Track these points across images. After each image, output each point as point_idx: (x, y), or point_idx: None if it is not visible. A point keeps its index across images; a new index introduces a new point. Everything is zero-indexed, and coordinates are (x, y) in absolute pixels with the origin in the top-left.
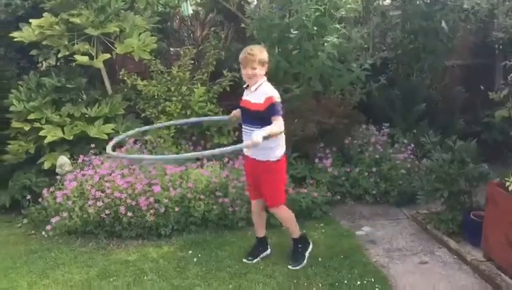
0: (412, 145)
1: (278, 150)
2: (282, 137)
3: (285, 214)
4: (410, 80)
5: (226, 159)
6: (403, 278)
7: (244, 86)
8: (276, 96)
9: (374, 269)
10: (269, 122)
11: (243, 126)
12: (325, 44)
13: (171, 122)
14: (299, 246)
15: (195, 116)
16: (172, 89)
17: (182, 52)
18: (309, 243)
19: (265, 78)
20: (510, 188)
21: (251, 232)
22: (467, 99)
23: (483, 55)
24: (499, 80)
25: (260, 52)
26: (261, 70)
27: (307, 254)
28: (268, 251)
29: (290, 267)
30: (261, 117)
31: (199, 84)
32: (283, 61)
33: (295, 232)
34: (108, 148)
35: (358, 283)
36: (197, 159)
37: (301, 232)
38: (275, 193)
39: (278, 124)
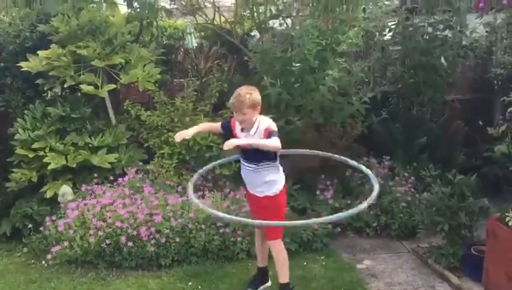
0: (413, 178)
1: (277, 185)
2: (280, 171)
3: (280, 251)
4: (411, 113)
5: (227, 190)
6: None
7: (239, 127)
8: (273, 125)
9: None
10: (269, 158)
11: (243, 163)
12: (326, 78)
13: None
14: None
15: (197, 146)
16: (176, 119)
17: (185, 84)
18: None
19: (258, 116)
20: (510, 223)
21: (252, 264)
22: (467, 133)
23: (482, 91)
24: (498, 115)
25: (250, 96)
26: (252, 114)
27: None
28: (269, 283)
29: None
30: (260, 153)
31: (202, 115)
32: (285, 94)
33: (284, 276)
34: (191, 191)
35: None
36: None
37: (290, 283)
38: (271, 227)
39: (273, 140)
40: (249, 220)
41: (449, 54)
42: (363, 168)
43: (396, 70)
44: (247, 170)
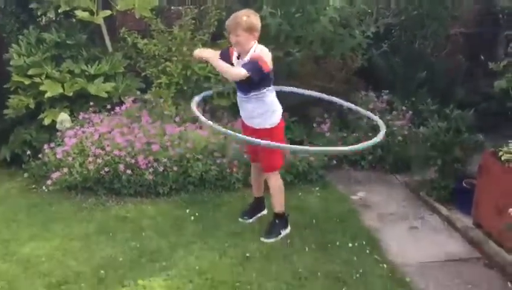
0: (410, 112)
1: (273, 117)
2: (276, 102)
3: (277, 182)
4: (413, 47)
5: (225, 120)
6: (394, 242)
7: (236, 55)
8: (262, 57)
9: (366, 233)
10: (258, 87)
11: (239, 94)
12: (328, 7)
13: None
14: (277, 221)
15: (195, 76)
16: (173, 49)
17: (183, 12)
18: (287, 225)
19: (257, 44)
20: (503, 158)
21: (248, 193)
22: (468, 68)
23: (487, 24)
24: (501, 50)
25: (247, 18)
26: (247, 38)
27: (282, 232)
28: (265, 211)
29: (262, 239)
30: (250, 81)
31: (200, 45)
32: (285, 24)
33: (280, 205)
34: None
35: (350, 245)
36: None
37: (285, 212)
38: (270, 159)
39: (235, 69)
40: (255, 140)
41: None
42: (364, 112)
43: (400, 2)
44: (239, 99)
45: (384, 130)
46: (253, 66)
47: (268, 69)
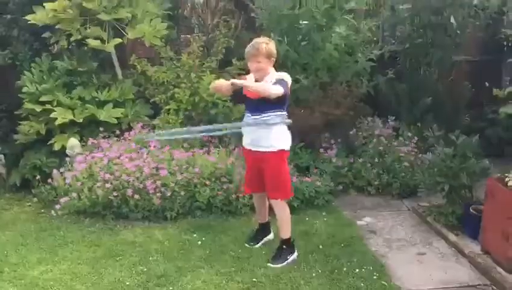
0: (416, 138)
1: (281, 140)
2: (285, 128)
3: (284, 210)
4: (418, 74)
5: (232, 147)
6: (401, 268)
7: (253, 80)
8: (286, 78)
9: (373, 258)
10: (280, 106)
11: (246, 115)
12: (333, 35)
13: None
14: (284, 247)
15: (203, 103)
16: (182, 75)
17: (192, 40)
18: (294, 251)
19: (273, 69)
20: (509, 184)
21: (255, 218)
22: (473, 95)
23: (491, 52)
24: (505, 77)
25: (266, 45)
26: (267, 64)
27: (289, 258)
28: (271, 236)
29: (269, 264)
30: (266, 103)
31: (208, 72)
32: (292, 52)
33: (287, 232)
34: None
35: (357, 270)
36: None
37: (291, 237)
38: (281, 185)
39: (274, 87)
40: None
41: (459, 14)
42: None
43: (405, 30)
44: (249, 122)
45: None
46: (285, 84)
47: (289, 90)
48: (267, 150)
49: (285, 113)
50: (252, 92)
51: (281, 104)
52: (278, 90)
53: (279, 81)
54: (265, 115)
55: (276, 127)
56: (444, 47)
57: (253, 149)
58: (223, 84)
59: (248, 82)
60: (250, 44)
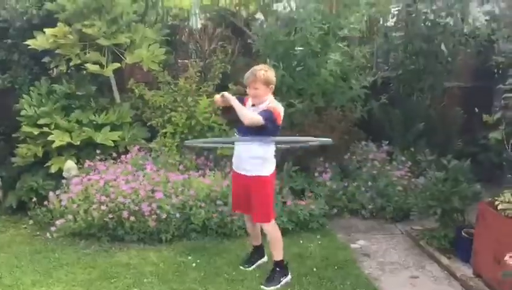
0: (409, 163)
1: (267, 165)
2: (272, 153)
3: (274, 232)
4: (411, 99)
5: (227, 170)
6: None
7: (251, 104)
8: (277, 110)
9: (366, 281)
10: (268, 133)
11: (237, 136)
12: (328, 62)
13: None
14: (277, 269)
15: (199, 126)
16: (179, 99)
17: (189, 65)
18: (288, 273)
19: (272, 97)
20: (499, 207)
21: (249, 241)
22: (465, 120)
23: (482, 78)
24: (496, 102)
25: (265, 72)
26: (265, 91)
27: (282, 280)
28: (265, 259)
29: (262, 286)
30: (256, 129)
31: (205, 96)
32: (287, 77)
33: (278, 254)
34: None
35: None
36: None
37: (284, 259)
38: (261, 210)
39: (254, 116)
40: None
41: (450, 41)
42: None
43: (397, 56)
44: (238, 143)
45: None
46: (269, 115)
47: (280, 122)
48: (250, 174)
49: (268, 141)
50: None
51: (270, 132)
52: (255, 120)
53: (265, 112)
54: (255, 138)
55: (258, 150)
56: (435, 73)
57: (237, 171)
58: (217, 96)
59: (233, 99)
60: (250, 70)
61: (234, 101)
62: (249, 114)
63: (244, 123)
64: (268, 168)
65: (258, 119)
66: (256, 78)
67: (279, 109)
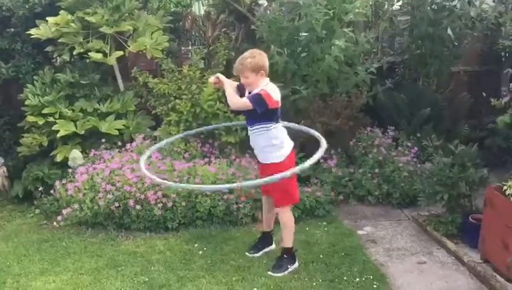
0: (416, 148)
1: (280, 151)
2: (283, 138)
3: (289, 219)
4: (417, 84)
5: (233, 157)
6: (401, 277)
7: (248, 92)
8: (266, 92)
9: (373, 267)
10: (265, 120)
11: (248, 127)
12: (333, 47)
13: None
14: (286, 256)
15: (204, 114)
16: (183, 87)
17: (192, 52)
18: (295, 261)
19: (266, 81)
20: (507, 192)
21: (255, 228)
22: (472, 105)
23: (489, 62)
24: (504, 87)
25: (252, 60)
26: (255, 78)
27: (290, 268)
28: (273, 246)
29: (269, 273)
30: (254, 115)
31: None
32: (291, 63)
33: (289, 241)
34: (142, 161)
35: (357, 279)
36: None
37: (293, 247)
38: (282, 194)
39: (240, 100)
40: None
41: (456, 25)
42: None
43: (403, 41)
44: (249, 132)
45: (324, 148)
46: (256, 98)
47: (273, 104)
48: (265, 162)
49: (270, 124)
50: None
51: (266, 118)
52: (240, 105)
53: (252, 96)
54: (254, 127)
55: (270, 139)
56: (442, 58)
57: (258, 158)
58: (212, 78)
59: (226, 82)
60: (237, 60)
61: (226, 85)
62: (234, 99)
63: (248, 115)
64: (281, 153)
65: (243, 103)
66: (243, 67)
67: (269, 90)
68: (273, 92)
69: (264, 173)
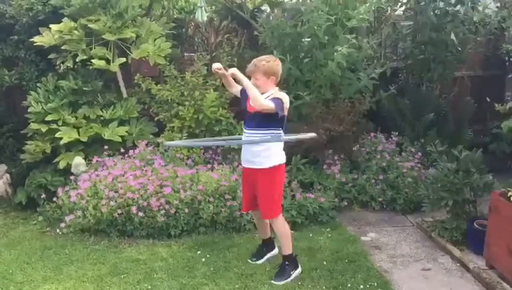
0: (420, 154)
1: (273, 157)
2: (279, 145)
3: (282, 226)
4: (420, 89)
5: (235, 163)
6: (405, 284)
7: None
8: (283, 98)
9: (377, 274)
10: (278, 126)
11: (244, 130)
12: (335, 53)
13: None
14: (287, 263)
15: (207, 120)
16: (186, 93)
17: (195, 58)
18: (298, 266)
19: (276, 89)
20: None
21: (258, 234)
22: (476, 110)
23: (493, 67)
24: (508, 91)
25: (266, 63)
26: (265, 82)
27: (293, 273)
28: (276, 251)
29: (272, 281)
30: (262, 119)
31: (212, 90)
32: (294, 69)
33: (287, 248)
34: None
35: (361, 286)
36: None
37: (293, 253)
38: (268, 206)
39: (266, 100)
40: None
41: (460, 30)
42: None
43: (406, 46)
44: (246, 136)
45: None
46: (278, 102)
47: (285, 113)
48: (260, 167)
49: (280, 132)
50: (253, 108)
51: (277, 123)
52: (268, 105)
53: (274, 100)
54: (261, 131)
55: (268, 144)
56: (445, 63)
57: (246, 166)
58: (218, 65)
59: (244, 78)
60: (252, 61)
61: (247, 83)
62: (262, 99)
63: (255, 107)
64: (273, 160)
65: (271, 107)
66: (256, 68)
67: (284, 99)
68: (286, 101)
69: (252, 181)
